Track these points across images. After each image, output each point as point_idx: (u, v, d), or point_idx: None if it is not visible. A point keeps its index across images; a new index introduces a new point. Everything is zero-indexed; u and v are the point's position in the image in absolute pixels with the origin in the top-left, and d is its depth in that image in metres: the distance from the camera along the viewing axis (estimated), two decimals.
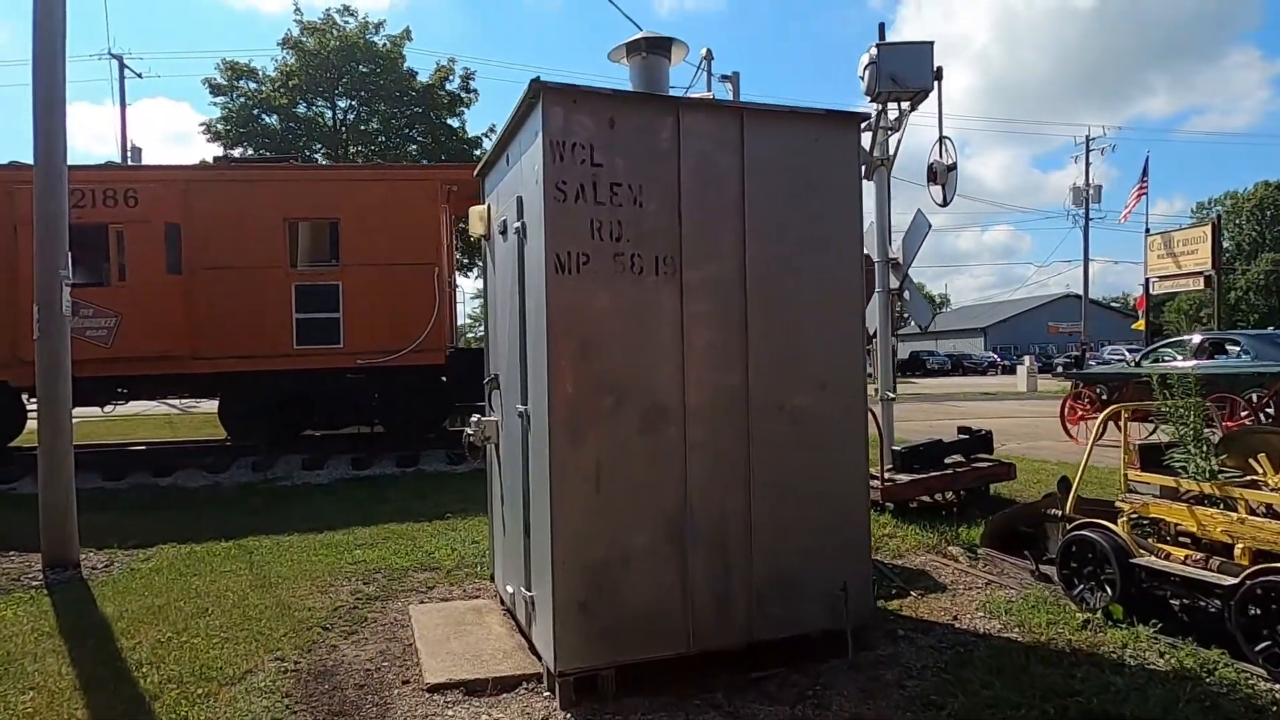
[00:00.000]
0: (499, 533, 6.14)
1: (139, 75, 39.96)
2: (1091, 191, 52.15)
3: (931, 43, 7.87)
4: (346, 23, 32.82)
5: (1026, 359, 41.26)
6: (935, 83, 7.98)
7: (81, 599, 6.70)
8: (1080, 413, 14.81)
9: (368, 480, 13.08)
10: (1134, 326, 39.01)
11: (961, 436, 9.15)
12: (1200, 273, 31.76)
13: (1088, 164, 51.32)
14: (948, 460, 8.80)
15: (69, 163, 8.59)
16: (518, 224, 5.07)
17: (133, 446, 16.11)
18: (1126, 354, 26.34)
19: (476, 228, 6.26)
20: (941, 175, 8.28)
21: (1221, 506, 5.45)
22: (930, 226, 8.80)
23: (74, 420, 8.19)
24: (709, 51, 20.59)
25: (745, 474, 4.95)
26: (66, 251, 8.45)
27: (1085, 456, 6.36)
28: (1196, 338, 17.22)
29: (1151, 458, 6.18)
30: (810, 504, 5.10)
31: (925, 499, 8.67)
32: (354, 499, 11.51)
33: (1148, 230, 34.99)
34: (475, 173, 6.56)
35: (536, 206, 4.65)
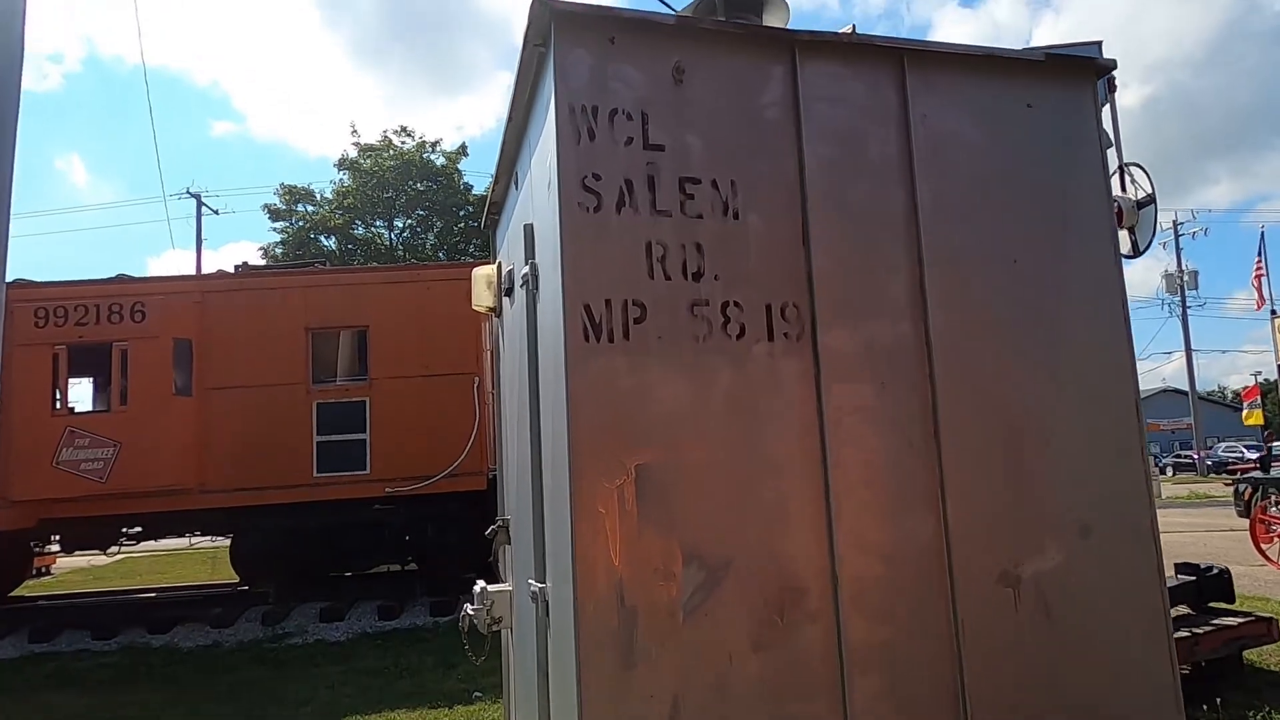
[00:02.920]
0: None
1: (215, 212, 41.12)
2: (1187, 277, 48.57)
3: (1099, 42, 5.84)
4: (404, 143, 32.96)
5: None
6: (1108, 93, 5.93)
7: None
8: (1278, 529, 11.76)
9: (393, 636, 10.79)
10: (1246, 420, 35.09)
11: (1184, 578, 6.45)
12: None
13: (1179, 249, 47.94)
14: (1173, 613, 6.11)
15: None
16: (526, 268, 2.99)
17: (140, 594, 14.25)
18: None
19: (483, 297, 4.21)
20: (1129, 215, 6.01)
21: None
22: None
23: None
24: None
25: (956, 708, 2.58)
26: None
27: None
28: None
29: None
30: None
31: None
32: (370, 668, 9.21)
33: (1275, 313, 31.58)
34: (483, 222, 4.60)
35: (550, 227, 2.59)
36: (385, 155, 32.92)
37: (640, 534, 2.39)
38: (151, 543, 14.63)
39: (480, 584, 3.83)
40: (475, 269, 4.23)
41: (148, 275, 14.64)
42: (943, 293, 2.75)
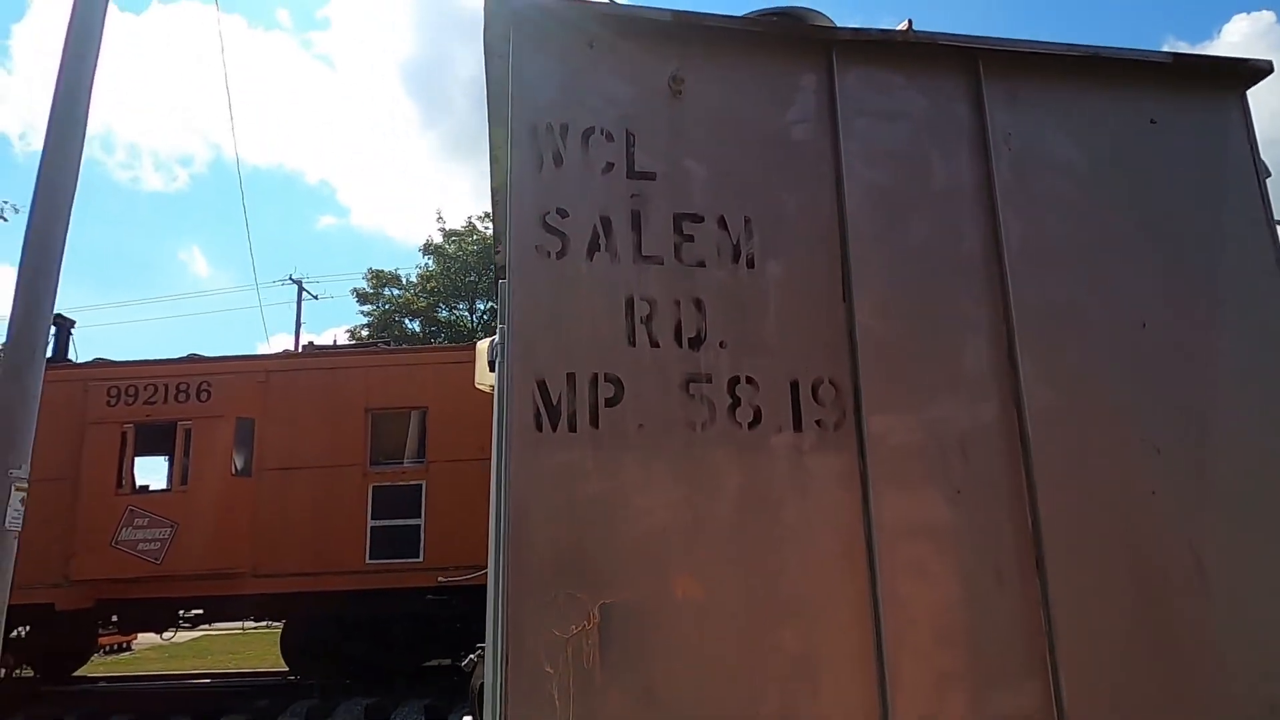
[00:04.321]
0: None
1: (315, 297, 43.21)
2: None
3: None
4: (487, 228, 33.76)
5: None
6: None
7: None
8: None
9: None
10: None
11: None
12: None
13: None
14: None
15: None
16: (498, 336, 2.39)
17: (195, 678, 13.93)
18: None
19: (486, 374, 3.65)
20: None
21: None
22: None
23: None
24: None
25: None
26: (28, 443, 6.51)
27: None
28: None
29: None
30: None
31: None
32: None
33: None
34: (495, 288, 4.06)
35: (509, 280, 1.98)
36: (469, 240, 33.73)
37: (604, 703, 1.68)
38: (218, 623, 14.43)
39: None
40: (479, 343, 3.68)
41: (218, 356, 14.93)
42: (1042, 363, 2.00)
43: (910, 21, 2.16)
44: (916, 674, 1.79)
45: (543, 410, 1.78)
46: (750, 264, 1.98)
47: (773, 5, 2.68)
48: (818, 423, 1.90)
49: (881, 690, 1.77)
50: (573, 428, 1.79)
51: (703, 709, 1.71)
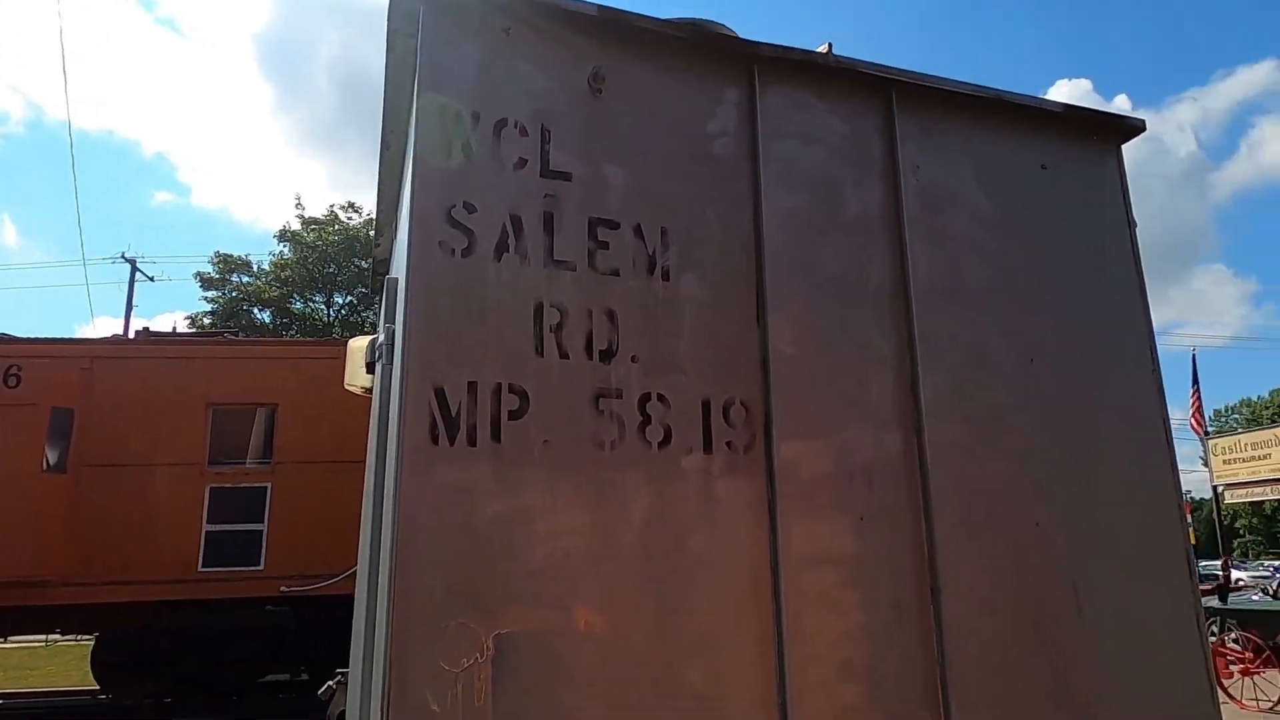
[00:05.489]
0: None
1: (150, 278, 39.54)
2: None
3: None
4: (350, 219, 32.26)
5: None
6: None
7: None
8: (1240, 665, 11.12)
9: None
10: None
11: None
12: (1277, 480, 28.45)
13: None
14: None
15: None
16: (382, 336, 2.19)
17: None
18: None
19: (356, 375, 3.38)
20: None
21: None
22: None
23: None
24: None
25: None
26: None
27: None
28: None
29: None
30: None
31: None
32: None
33: (1207, 434, 32.14)
34: (371, 284, 3.79)
35: (405, 279, 1.80)
36: (330, 230, 32.12)
37: None
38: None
39: None
40: (351, 341, 3.41)
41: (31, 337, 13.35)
42: (942, 395, 2.02)
43: (830, 45, 2.16)
44: (818, 708, 1.75)
45: (439, 421, 1.62)
46: (665, 277, 1.90)
47: (683, 16, 2.63)
48: (728, 444, 1.84)
49: None
50: (472, 441, 1.64)
51: None
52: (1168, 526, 2.18)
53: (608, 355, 1.80)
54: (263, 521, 11.07)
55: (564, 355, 1.76)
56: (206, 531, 10.97)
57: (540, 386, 1.73)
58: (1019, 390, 2.12)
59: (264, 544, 11.03)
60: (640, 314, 1.85)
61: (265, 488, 11.26)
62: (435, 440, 1.61)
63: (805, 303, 1.99)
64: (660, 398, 1.81)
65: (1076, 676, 1.97)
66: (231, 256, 30.93)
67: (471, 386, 1.67)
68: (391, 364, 2.10)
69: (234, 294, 31.25)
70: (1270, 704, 10.16)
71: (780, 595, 1.77)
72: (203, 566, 10.91)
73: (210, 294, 31.18)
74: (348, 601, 10.89)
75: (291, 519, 11.05)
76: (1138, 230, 2.50)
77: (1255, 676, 10.80)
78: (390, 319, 2.17)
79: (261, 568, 10.97)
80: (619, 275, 1.86)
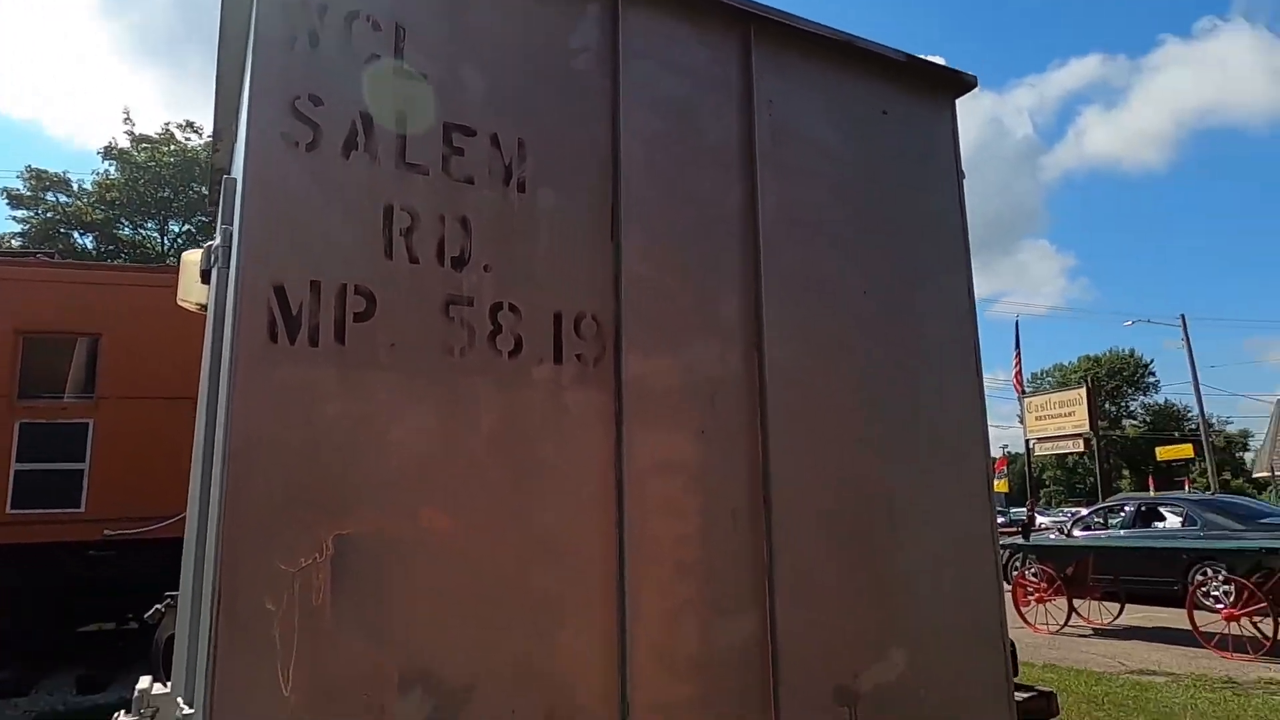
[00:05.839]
0: None
1: None
2: None
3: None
4: (188, 139, 29.62)
5: None
6: None
7: None
8: (1036, 593, 12.50)
9: (93, 716, 8.78)
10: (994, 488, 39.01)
11: None
12: (1079, 434, 31.90)
13: None
14: None
15: None
16: (219, 239, 2.06)
17: None
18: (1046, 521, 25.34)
19: (191, 290, 3.19)
20: None
21: None
22: None
23: None
24: None
25: None
26: None
27: None
28: (1132, 503, 15.70)
29: None
30: None
31: None
32: None
33: (1023, 392, 35.47)
34: (209, 195, 3.58)
35: (244, 174, 1.70)
36: (165, 150, 29.42)
37: (335, 644, 1.53)
38: None
39: (145, 681, 2.72)
40: (185, 254, 3.20)
41: None
42: (785, 318, 2.14)
43: None
44: (655, 604, 1.85)
45: (279, 319, 1.57)
46: (521, 188, 1.89)
47: None
48: (578, 357, 1.88)
49: (621, 626, 1.80)
50: (314, 341, 1.60)
51: (443, 646, 1.63)
52: (973, 447, 2.42)
53: (459, 263, 1.79)
54: (84, 460, 10.25)
55: (414, 260, 1.74)
56: (16, 471, 10.04)
57: (389, 290, 1.69)
58: (853, 318, 2.28)
59: (85, 485, 10.23)
60: (494, 224, 1.84)
61: (87, 424, 10.40)
62: (274, 338, 1.56)
63: (659, 223, 2.05)
64: (512, 308, 1.82)
65: (888, 576, 2.18)
66: (46, 173, 27.79)
67: (315, 285, 1.62)
68: (228, 268, 1.99)
69: (49, 215, 28.20)
70: (1058, 627, 11.54)
71: (624, 501, 1.84)
72: (11, 508, 10.01)
73: (20, 213, 27.99)
74: (181, 546, 10.28)
75: (118, 458, 10.29)
76: (964, 182, 2.71)
77: (1048, 604, 12.19)
78: (228, 220, 2.05)
79: (82, 510, 10.19)
80: (474, 183, 1.83)
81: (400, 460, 1.64)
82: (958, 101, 2.70)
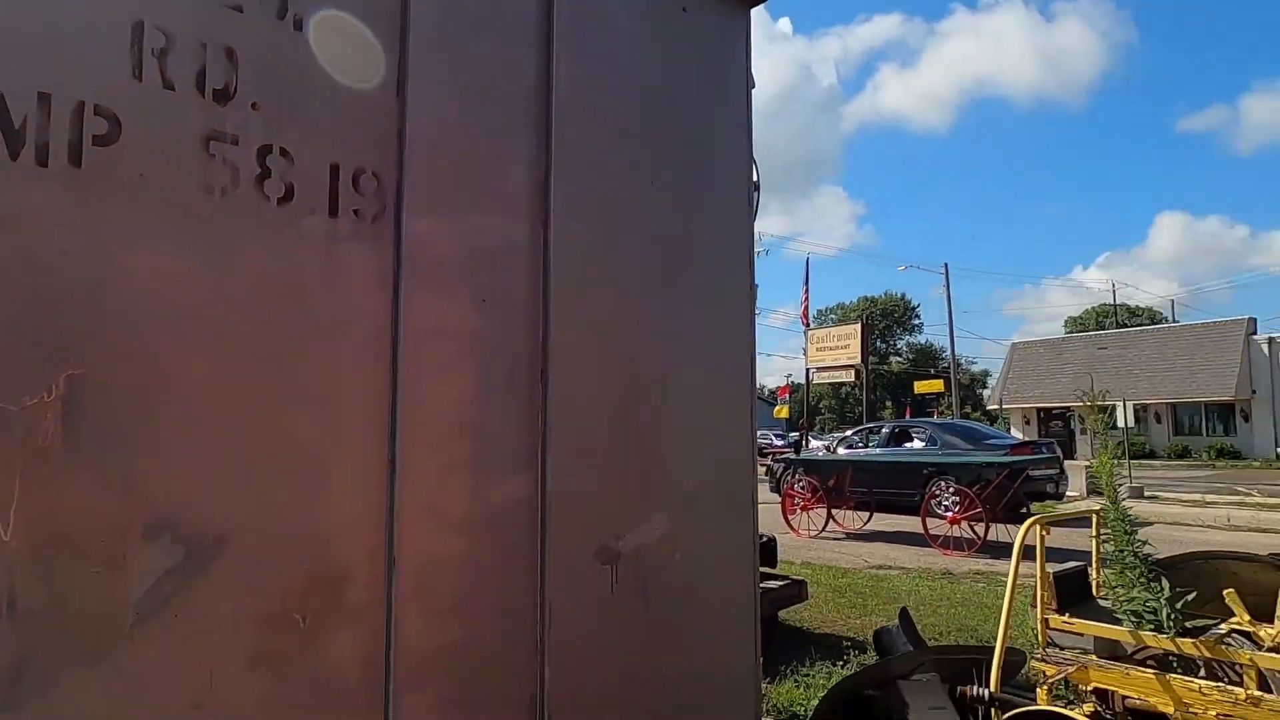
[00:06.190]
0: None
1: None
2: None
3: None
4: None
5: None
6: None
7: None
8: (801, 502, 13.86)
9: None
10: (776, 414, 42.45)
11: None
12: (851, 365, 35.09)
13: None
14: None
15: None
16: None
17: None
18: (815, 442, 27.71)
19: None
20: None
21: (1203, 673, 3.63)
22: None
23: None
24: None
25: (531, 713, 2.04)
26: None
27: (1006, 604, 4.33)
28: (887, 426, 17.67)
29: (1071, 591, 4.33)
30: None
31: None
32: None
33: (808, 326, 38.31)
34: None
35: None
36: None
37: (67, 488, 1.43)
38: None
39: None
40: None
41: None
42: (571, 197, 2.18)
43: None
44: (425, 467, 1.87)
45: None
46: (298, 26, 1.77)
47: None
48: (355, 212, 1.82)
49: (390, 480, 1.82)
50: (43, 162, 1.43)
51: (190, 494, 1.56)
52: (739, 334, 2.62)
53: (223, 96, 1.65)
54: None
55: (169, 86, 1.59)
56: None
57: (137, 115, 1.54)
58: (637, 202, 2.36)
59: None
60: (266, 60, 1.72)
61: None
62: None
63: (450, 86, 2.00)
64: (284, 152, 1.72)
65: (654, 448, 2.34)
66: None
67: (44, 99, 1.44)
68: None
69: None
70: (817, 531, 12.87)
71: (398, 362, 1.84)
72: None
73: None
74: None
75: None
76: (754, 91, 2.85)
77: (810, 512, 13.52)
78: None
79: None
80: (242, 11, 1.69)
81: (148, 300, 1.53)
82: (752, 13, 2.82)
